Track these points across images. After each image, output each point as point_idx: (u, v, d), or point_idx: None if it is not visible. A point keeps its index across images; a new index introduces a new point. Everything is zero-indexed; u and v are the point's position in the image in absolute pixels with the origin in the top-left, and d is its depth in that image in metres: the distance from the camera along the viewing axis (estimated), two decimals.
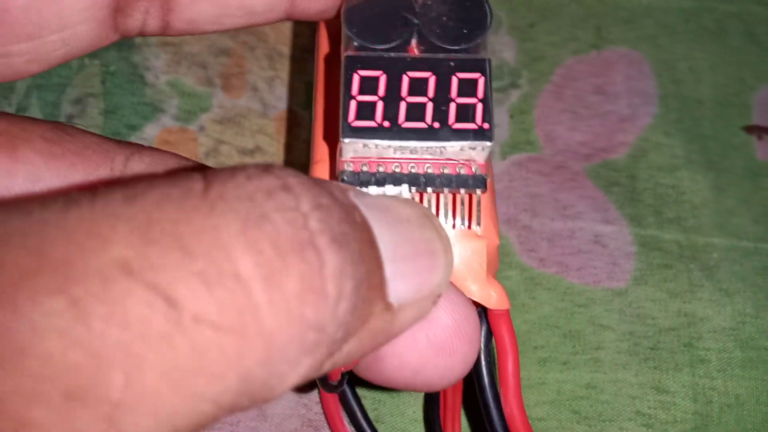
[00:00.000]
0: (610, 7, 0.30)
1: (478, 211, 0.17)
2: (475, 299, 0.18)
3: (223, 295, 0.10)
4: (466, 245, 0.18)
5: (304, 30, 0.28)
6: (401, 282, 0.13)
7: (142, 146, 0.17)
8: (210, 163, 0.25)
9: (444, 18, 0.17)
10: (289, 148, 0.26)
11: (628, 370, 0.23)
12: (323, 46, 0.20)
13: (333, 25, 0.20)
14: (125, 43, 0.26)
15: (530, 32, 0.29)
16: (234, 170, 0.11)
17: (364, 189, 0.16)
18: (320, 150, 0.19)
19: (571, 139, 0.27)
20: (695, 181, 0.27)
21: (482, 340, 0.18)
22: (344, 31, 0.17)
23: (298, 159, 0.26)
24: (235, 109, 0.26)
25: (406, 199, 0.15)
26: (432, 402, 0.22)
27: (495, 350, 0.18)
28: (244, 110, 0.26)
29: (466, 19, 0.17)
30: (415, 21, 0.17)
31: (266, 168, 0.11)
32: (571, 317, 0.24)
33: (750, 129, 0.28)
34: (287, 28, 0.28)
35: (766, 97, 0.29)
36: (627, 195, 0.26)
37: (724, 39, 0.30)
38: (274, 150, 0.26)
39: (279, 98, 0.26)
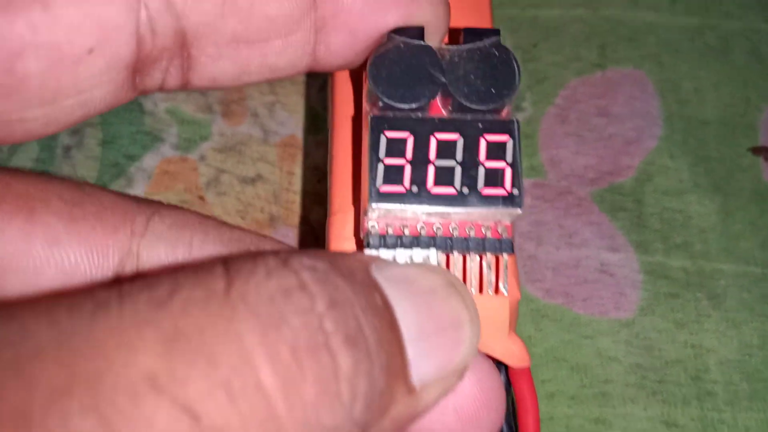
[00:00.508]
0: (614, 24, 0.29)
1: (506, 274, 0.17)
2: (497, 357, 0.17)
3: (246, 407, 0.10)
4: (488, 304, 0.17)
5: None
6: (425, 361, 0.13)
7: (161, 204, 0.17)
8: (211, 193, 0.24)
9: (471, 76, 0.17)
10: (290, 175, 0.25)
11: (636, 404, 0.23)
12: (341, 90, 0.19)
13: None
14: None
15: (533, 52, 0.28)
16: (255, 264, 0.11)
17: (389, 252, 0.16)
18: (338, 199, 0.19)
19: (576, 164, 0.27)
20: (702, 205, 0.26)
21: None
22: (370, 88, 0.17)
23: (299, 187, 0.25)
24: (236, 137, 0.25)
25: (430, 267, 0.15)
26: None
27: (513, 401, 0.18)
28: (244, 137, 0.25)
29: (493, 77, 0.17)
30: (442, 79, 0.17)
31: (285, 261, 0.11)
32: (578, 349, 0.24)
33: (757, 150, 0.28)
34: None
35: None
36: (633, 220, 0.26)
37: (729, 57, 0.29)
38: (276, 178, 0.25)
39: (280, 124, 0.26)
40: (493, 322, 0.17)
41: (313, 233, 0.24)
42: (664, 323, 0.24)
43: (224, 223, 0.17)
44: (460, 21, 0.19)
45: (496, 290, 0.17)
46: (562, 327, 0.24)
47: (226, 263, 0.11)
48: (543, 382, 0.24)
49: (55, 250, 0.15)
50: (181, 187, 0.24)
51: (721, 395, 0.23)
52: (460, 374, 0.14)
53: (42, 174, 0.16)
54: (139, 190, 0.24)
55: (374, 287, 0.12)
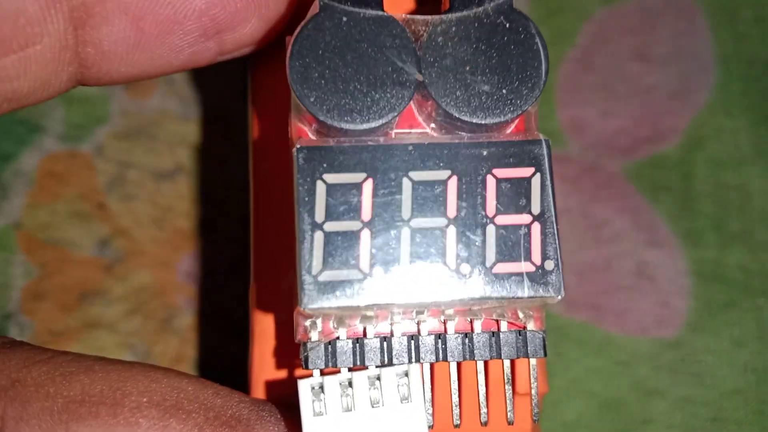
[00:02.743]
0: None
1: (536, 389, 0.11)
2: None
3: None
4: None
5: None
6: None
7: None
8: (115, 197, 0.18)
9: (467, 67, 0.10)
10: (223, 164, 0.19)
11: None
12: (263, 89, 0.13)
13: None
14: None
15: None
16: None
17: (339, 377, 0.10)
18: (261, 262, 0.12)
19: (605, 128, 0.20)
20: (767, 179, 0.20)
21: None
22: (294, 96, 0.10)
23: (238, 182, 0.19)
24: (144, 115, 0.18)
25: None
26: None
27: None
28: (156, 114, 0.18)
29: (504, 67, 0.10)
30: (418, 76, 0.10)
31: None
32: (610, 380, 0.19)
33: None
34: None
35: None
36: (679, 204, 0.20)
37: None
38: (203, 168, 0.19)
39: (204, 90, 0.19)
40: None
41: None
42: (718, 342, 0.19)
43: (64, 361, 0.12)
44: None
45: (516, 415, 0.11)
46: (590, 350, 0.19)
47: None
48: (566, 426, 0.18)
49: None
50: (73, 193, 0.18)
51: None
52: None
53: None
54: (17, 202, 0.17)
55: None
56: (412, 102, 0.11)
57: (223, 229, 0.18)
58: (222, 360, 0.18)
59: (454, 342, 0.11)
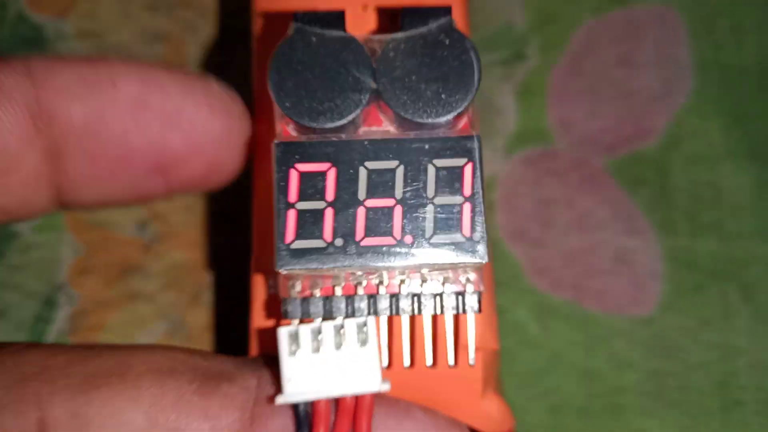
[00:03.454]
0: None
1: (473, 338, 0.14)
2: (471, 425, 0.14)
3: None
4: (451, 377, 0.14)
5: None
6: None
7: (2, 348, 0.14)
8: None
9: (413, 77, 0.13)
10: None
11: (652, 416, 0.21)
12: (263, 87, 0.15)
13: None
14: (37, 39, 0.20)
15: None
16: None
17: (314, 326, 0.13)
18: (261, 235, 0.15)
19: (591, 127, 0.23)
20: (737, 176, 0.22)
21: None
22: (274, 103, 0.12)
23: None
24: None
25: None
26: None
27: None
28: None
29: (444, 76, 0.12)
30: (373, 84, 0.12)
31: None
32: (589, 353, 0.21)
33: None
34: None
35: None
36: (656, 197, 0.22)
37: None
38: None
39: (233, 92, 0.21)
40: (459, 390, 0.14)
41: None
42: (687, 320, 0.21)
43: (82, 350, 0.14)
44: None
45: (456, 363, 0.14)
46: (572, 326, 0.21)
47: None
48: (547, 392, 0.21)
49: None
50: None
51: (750, 404, 0.21)
52: None
53: None
54: None
55: None
56: (375, 105, 0.13)
57: (245, 216, 0.21)
58: (243, 329, 0.21)
59: (405, 301, 0.13)
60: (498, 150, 0.22)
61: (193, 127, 0.14)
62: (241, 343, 0.15)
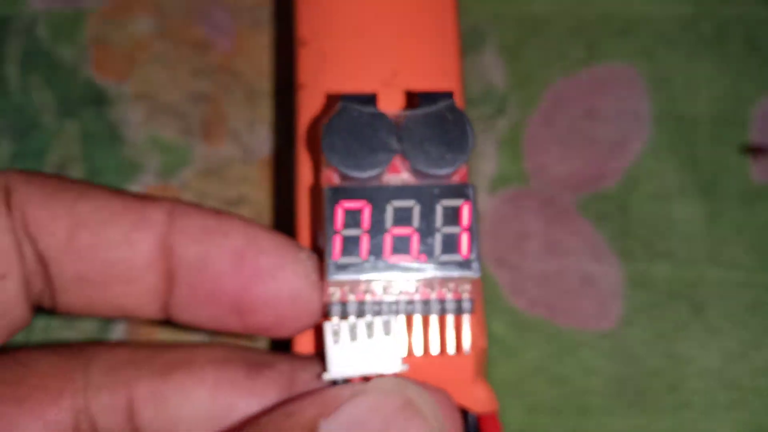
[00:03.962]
0: (603, 17, 0.28)
1: (468, 333, 0.17)
2: (464, 405, 0.18)
3: None
4: (451, 361, 0.18)
5: (282, 60, 0.27)
6: None
7: (96, 346, 0.18)
8: None
9: (426, 142, 0.17)
10: (276, 192, 0.26)
11: (614, 415, 0.24)
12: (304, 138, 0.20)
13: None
14: (102, 100, 0.25)
15: (519, 50, 0.28)
16: None
17: (350, 320, 0.17)
18: (302, 240, 0.19)
19: (561, 170, 0.27)
20: (688, 210, 0.26)
21: None
22: (324, 158, 0.17)
23: (283, 205, 0.25)
24: (217, 159, 0.25)
25: (382, 389, 0.15)
26: None
27: None
28: (226, 159, 0.25)
29: (447, 141, 0.17)
30: (397, 147, 0.17)
31: None
32: (560, 361, 0.25)
33: (747, 149, 0.27)
34: (265, 61, 0.27)
35: (765, 111, 0.28)
36: (618, 228, 0.26)
37: (724, 47, 0.28)
38: (259, 198, 0.25)
39: (261, 141, 0.26)
40: (457, 376, 0.18)
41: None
42: (644, 334, 0.25)
43: (158, 347, 0.18)
44: (426, 80, 0.19)
45: (458, 350, 0.17)
46: (544, 339, 0.25)
47: None
48: (524, 395, 0.24)
49: None
50: None
51: (698, 405, 0.24)
52: None
53: None
54: None
55: None
56: (397, 160, 0.17)
57: None
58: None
59: (418, 305, 0.17)
60: (483, 189, 0.27)
61: (274, 284, 0.17)
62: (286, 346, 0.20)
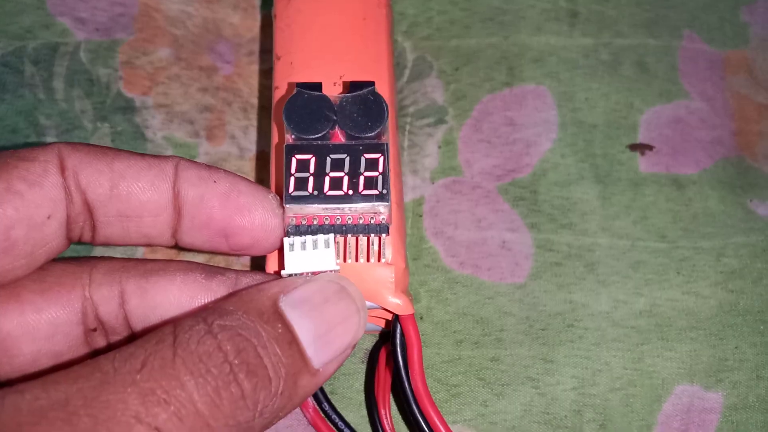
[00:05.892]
0: (521, 48, 0.36)
1: (386, 248, 0.25)
2: (388, 309, 0.25)
3: (189, 422, 0.18)
4: (379, 271, 0.25)
5: (269, 83, 0.35)
6: (322, 352, 0.21)
7: (98, 259, 0.24)
8: None
9: (355, 115, 0.24)
10: (262, 182, 0.33)
11: (523, 346, 0.31)
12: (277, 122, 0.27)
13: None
14: (129, 108, 0.33)
15: (455, 75, 0.36)
16: (191, 332, 0.19)
17: (302, 237, 0.24)
18: (274, 179, 0.27)
19: (486, 164, 0.34)
20: (585, 193, 0.33)
21: (398, 340, 0.25)
22: (285, 126, 0.24)
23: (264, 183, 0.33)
24: (218, 155, 0.33)
25: (325, 279, 0.22)
26: (371, 379, 0.30)
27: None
28: (225, 155, 0.33)
29: (369, 114, 0.24)
30: (334, 117, 0.24)
31: (209, 328, 0.19)
32: (482, 307, 0.31)
33: (634, 147, 0.35)
34: (256, 83, 0.35)
35: (650, 118, 0.35)
36: (529, 207, 0.33)
37: (618, 70, 0.36)
38: None
39: (252, 142, 0.34)
40: (381, 282, 0.25)
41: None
42: (548, 286, 0.32)
43: (142, 260, 0.25)
44: (363, 73, 0.27)
45: (379, 260, 0.25)
46: (471, 291, 0.32)
47: (175, 333, 0.19)
48: (454, 332, 0.31)
49: (43, 315, 0.23)
50: None
51: (590, 338, 0.31)
52: (352, 347, 0.22)
53: None
54: None
55: (278, 318, 0.20)
56: (336, 127, 0.25)
57: None
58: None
59: (350, 227, 0.24)
60: (426, 179, 0.34)
61: (249, 216, 0.23)
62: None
